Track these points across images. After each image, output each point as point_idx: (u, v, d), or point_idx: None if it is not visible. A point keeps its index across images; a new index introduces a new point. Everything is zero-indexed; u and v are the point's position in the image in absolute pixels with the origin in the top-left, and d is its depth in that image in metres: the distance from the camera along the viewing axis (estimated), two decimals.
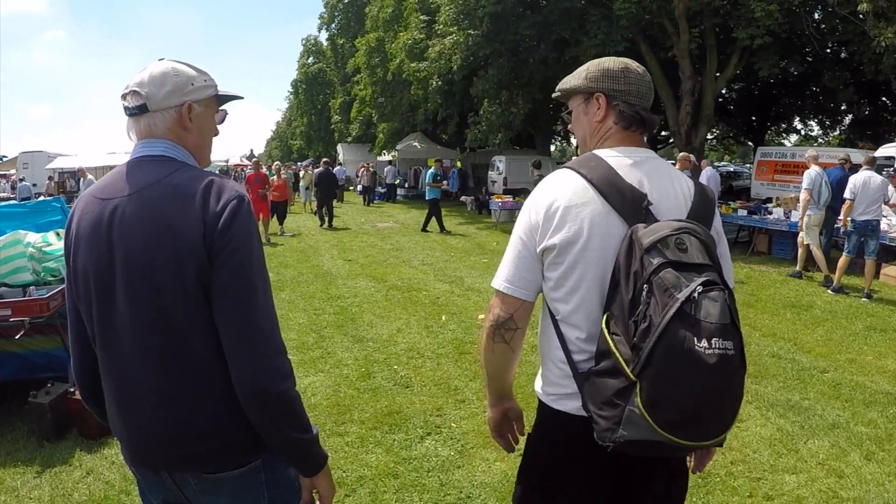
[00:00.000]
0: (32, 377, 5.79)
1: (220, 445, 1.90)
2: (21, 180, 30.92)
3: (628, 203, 1.97)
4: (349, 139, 45.49)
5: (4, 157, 15.78)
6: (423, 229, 19.42)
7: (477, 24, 22.09)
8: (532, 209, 2.07)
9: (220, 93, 2.11)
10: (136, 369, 1.87)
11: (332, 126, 50.89)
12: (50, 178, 27.91)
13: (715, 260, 1.90)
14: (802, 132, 45.52)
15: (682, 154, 14.10)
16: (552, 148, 40.98)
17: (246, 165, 44.84)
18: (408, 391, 6.36)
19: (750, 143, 39.25)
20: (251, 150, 76.32)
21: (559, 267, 2.02)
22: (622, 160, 2.07)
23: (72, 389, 5.41)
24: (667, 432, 1.75)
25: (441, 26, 24.04)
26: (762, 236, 15.42)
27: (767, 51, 19.35)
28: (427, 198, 19.68)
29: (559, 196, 2.02)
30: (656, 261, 1.80)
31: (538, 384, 2.25)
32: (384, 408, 5.94)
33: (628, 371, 1.78)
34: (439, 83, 25.31)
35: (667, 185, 2.09)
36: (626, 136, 2.14)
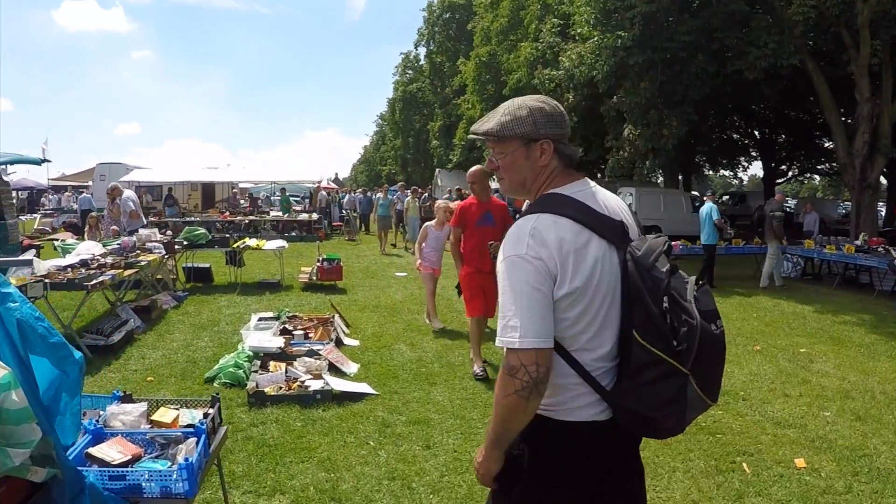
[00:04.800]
0: None
1: None
2: (80, 193, 27.94)
3: (613, 232, 2.12)
4: (449, 165, 41.16)
5: (46, 160, 12.83)
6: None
7: (627, 25, 17.73)
8: (537, 258, 2.03)
9: None
10: None
11: (431, 150, 46.63)
12: None
13: None
14: None
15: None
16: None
17: (335, 189, 40.46)
18: None
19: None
20: (336, 174, 73.42)
21: (577, 306, 2.06)
22: (583, 195, 2.18)
23: None
24: (712, 402, 2.12)
25: (579, 28, 19.68)
26: None
27: None
28: (703, 241, 14.41)
29: (564, 240, 2.05)
30: (662, 275, 2.05)
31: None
32: None
33: (683, 370, 2.01)
34: (577, 97, 20.93)
35: (616, 206, 2.26)
36: (568, 174, 2.24)
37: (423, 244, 9.68)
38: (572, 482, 2.20)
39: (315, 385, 6.20)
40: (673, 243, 14.22)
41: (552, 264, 2.02)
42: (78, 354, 2.49)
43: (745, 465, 5.19)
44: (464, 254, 7.40)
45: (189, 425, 3.13)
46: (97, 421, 3.10)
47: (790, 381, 7.41)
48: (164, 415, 3.26)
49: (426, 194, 23.53)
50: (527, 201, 2.34)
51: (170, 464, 2.80)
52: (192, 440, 2.92)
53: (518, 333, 1.99)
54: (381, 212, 21.33)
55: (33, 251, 8.56)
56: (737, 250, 15.85)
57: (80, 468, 2.60)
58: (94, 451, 2.80)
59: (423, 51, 50.87)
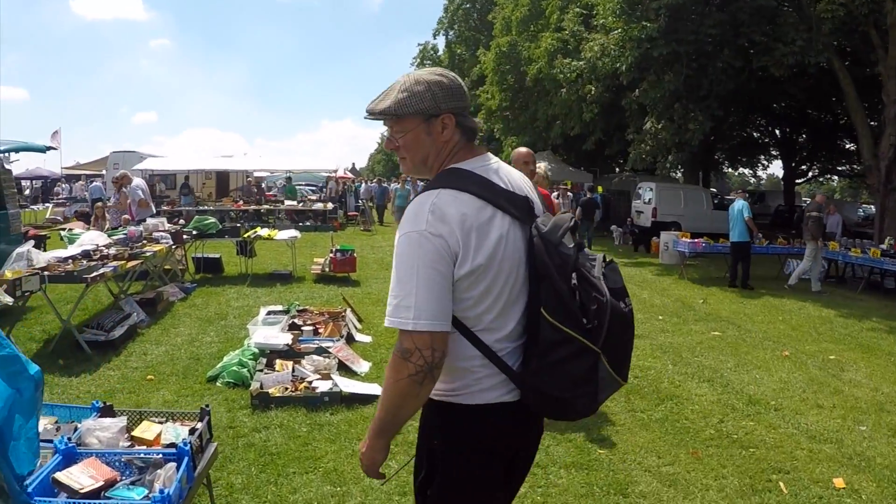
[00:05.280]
0: None
1: None
2: (92, 181, 27.84)
3: (519, 207, 2.04)
4: None
5: (51, 148, 12.38)
6: (745, 284, 13.81)
7: (652, 16, 17.26)
8: (437, 235, 1.90)
9: None
10: None
11: None
12: None
13: None
14: None
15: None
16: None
17: (350, 178, 40.22)
18: None
19: None
20: (353, 164, 73.21)
21: (480, 285, 1.96)
22: (485, 170, 2.07)
23: None
24: (623, 381, 2.07)
25: (602, 18, 19.20)
26: None
27: None
28: (734, 239, 13.83)
29: (466, 216, 1.93)
30: (569, 251, 1.98)
31: (440, 389, 2.07)
32: None
33: (594, 347, 1.94)
34: (599, 89, 20.43)
35: (520, 182, 2.17)
36: (470, 149, 2.14)
37: None
38: (485, 465, 2.12)
39: (323, 386, 5.83)
40: (695, 241, 13.78)
41: (453, 241, 1.91)
42: (34, 369, 2.12)
43: (781, 483, 4.79)
44: None
45: (171, 445, 2.76)
46: (69, 439, 2.74)
47: (822, 391, 6.98)
48: (147, 430, 2.90)
49: None
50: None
51: (147, 491, 2.43)
52: (172, 466, 2.54)
53: (412, 314, 1.89)
54: (399, 202, 20.55)
55: (31, 243, 8.18)
56: (761, 250, 15.29)
57: (42, 499, 2.24)
58: (61, 476, 2.44)
59: (441, 41, 50.30)
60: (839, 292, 14.02)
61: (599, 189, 24.58)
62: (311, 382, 5.92)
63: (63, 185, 38.41)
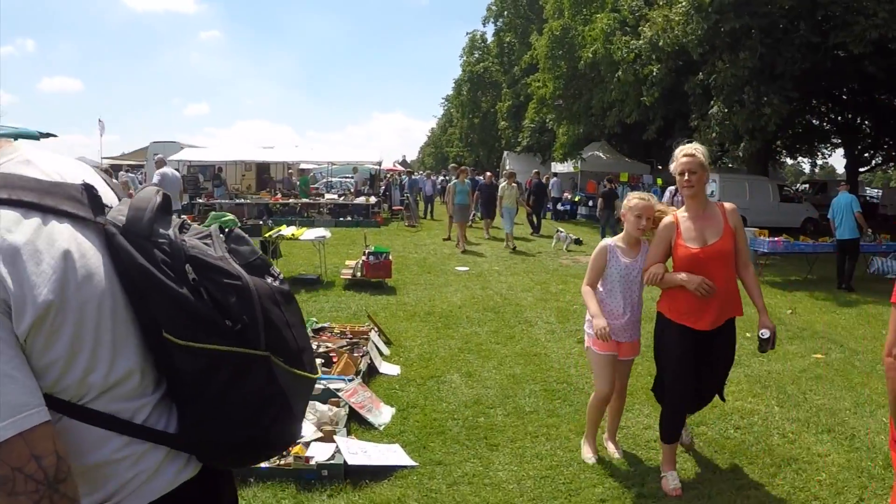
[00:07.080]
0: None
1: None
2: (127, 171, 27.10)
3: (77, 201, 1.25)
4: (518, 149, 38.86)
5: (49, 135, 11.14)
6: (844, 285, 12.10)
7: None
8: None
9: None
10: None
11: (499, 132, 44.10)
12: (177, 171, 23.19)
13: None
14: None
15: None
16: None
17: (399, 171, 38.83)
18: None
19: None
20: (403, 157, 72.28)
21: (62, 333, 1.14)
22: (10, 166, 1.25)
23: None
24: (313, 372, 1.43)
25: None
26: None
27: None
28: (844, 237, 12.02)
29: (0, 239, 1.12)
30: (170, 238, 1.28)
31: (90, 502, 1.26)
32: None
33: (258, 352, 1.28)
34: (662, 69, 18.54)
35: (74, 169, 1.37)
36: None
37: (600, 287, 4.44)
38: None
39: (322, 453, 4.24)
40: (776, 239, 11.89)
41: None
42: None
43: None
44: None
45: None
46: None
47: None
48: None
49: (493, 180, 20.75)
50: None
51: None
52: None
53: None
54: (458, 199, 16.51)
55: None
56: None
57: None
58: None
59: (490, 29, 48.88)
60: None
61: (658, 181, 22.57)
62: (307, 445, 4.34)
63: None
